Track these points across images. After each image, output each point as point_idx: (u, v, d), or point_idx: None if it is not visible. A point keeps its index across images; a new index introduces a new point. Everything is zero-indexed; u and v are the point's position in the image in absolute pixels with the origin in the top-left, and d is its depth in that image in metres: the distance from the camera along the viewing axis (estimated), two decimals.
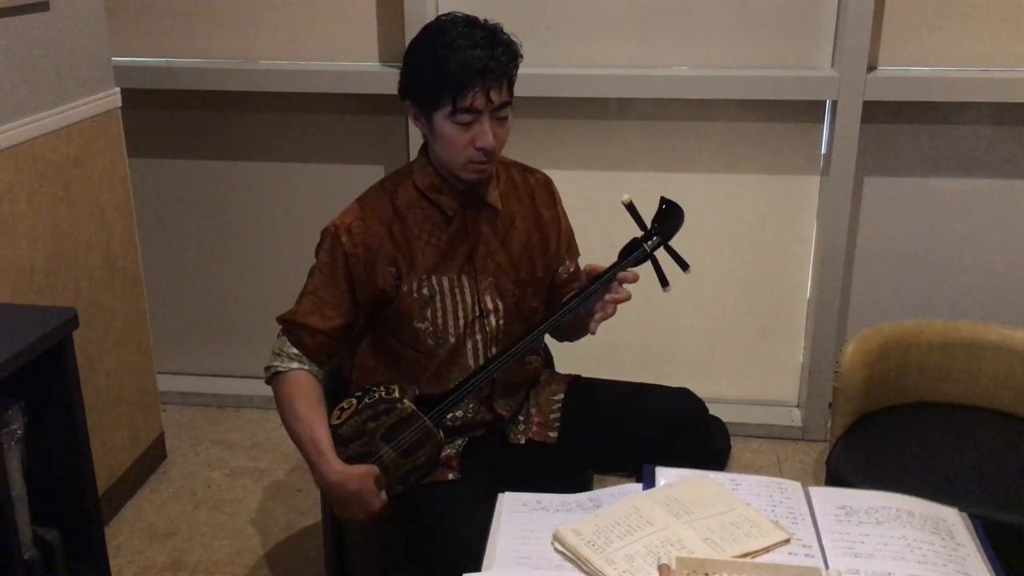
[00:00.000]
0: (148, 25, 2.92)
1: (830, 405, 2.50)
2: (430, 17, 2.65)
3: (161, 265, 3.13)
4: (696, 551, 1.27)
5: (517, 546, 1.33)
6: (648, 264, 1.76)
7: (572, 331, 1.97)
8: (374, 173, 2.92)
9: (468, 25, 1.71)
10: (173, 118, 3.02)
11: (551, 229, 1.93)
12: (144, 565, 2.40)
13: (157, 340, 2.90)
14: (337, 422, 1.75)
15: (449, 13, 1.76)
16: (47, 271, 2.26)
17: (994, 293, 2.87)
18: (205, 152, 3.05)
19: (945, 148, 2.78)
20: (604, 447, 1.91)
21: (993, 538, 1.37)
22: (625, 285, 1.73)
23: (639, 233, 1.77)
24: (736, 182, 2.87)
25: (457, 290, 1.82)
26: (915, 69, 2.69)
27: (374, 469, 1.73)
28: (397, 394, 1.75)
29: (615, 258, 1.77)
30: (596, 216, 2.77)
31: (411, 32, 2.65)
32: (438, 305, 1.81)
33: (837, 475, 2.03)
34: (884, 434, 2.15)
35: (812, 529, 1.36)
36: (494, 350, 1.86)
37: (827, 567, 1.28)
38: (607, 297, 1.73)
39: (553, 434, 1.92)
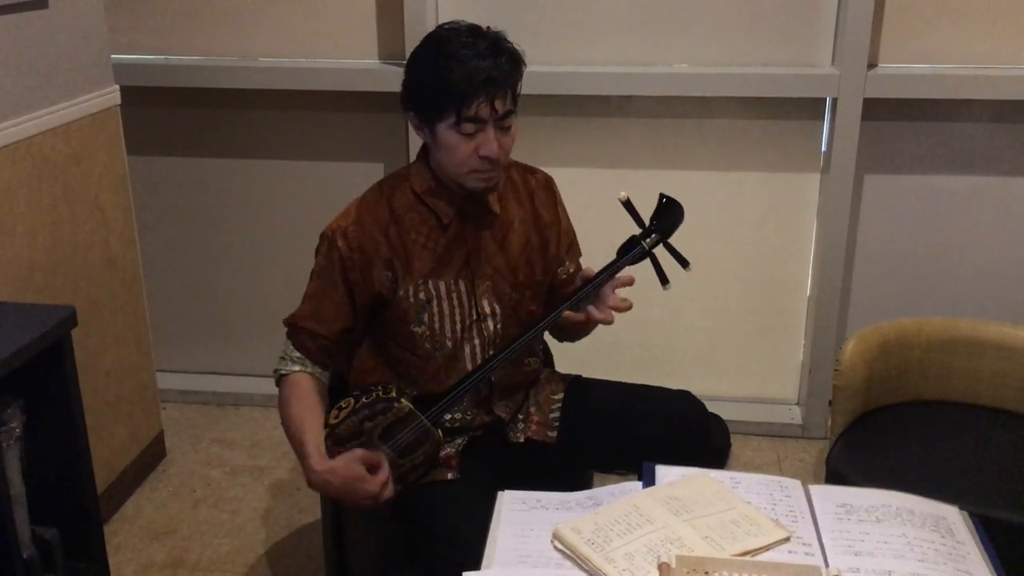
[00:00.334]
0: (147, 22, 2.91)
1: (830, 403, 2.50)
2: (430, 15, 2.65)
3: (160, 263, 3.13)
4: (696, 549, 1.27)
5: (517, 544, 1.33)
6: (647, 262, 1.75)
7: (572, 332, 1.96)
8: (374, 171, 2.91)
9: (471, 35, 1.69)
10: (172, 116, 3.02)
11: (551, 231, 1.92)
12: (144, 563, 2.40)
13: (156, 338, 2.90)
14: (335, 421, 1.75)
15: (452, 22, 1.74)
16: (46, 269, 2.26)
17: (994, 291, 2.87)
18: (204, 150, 3.05)
19: (945, 146, 2.77)
20: (603, 448, 1.91)
21: (993, 536, 1.37)
22: (619, 291, 1.72)
23: (640, 231, 1.76)
24: (736, 180, 2.87)
25: (454, 294, 1.81)
26: (915, 67, 2.69)
27: (356, 453, 1.69)
28: (394, 393, 1.75)
29: (615, 256, 1.77)
30: (597, 214, 2.76)
31: (411, 30, 2.66)
32: (435, 309, 1.80)
33: (837, 473, 2.02)
34: (884, 432, 2.15)
35: (812, 527, 1.36)
36: (492, 354, 1.85)
37: (827, 565, 1.27)
38: (610, 301, 1.70)
39: (552, 433, 1.91)
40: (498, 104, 1.67)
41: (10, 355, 1.73)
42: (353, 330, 1.83)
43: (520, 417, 1.94)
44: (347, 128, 2.97)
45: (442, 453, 1.81)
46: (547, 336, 2.07)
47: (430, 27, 1.93)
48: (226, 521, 2.57)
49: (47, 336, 1.85)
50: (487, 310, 1.84)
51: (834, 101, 2.69)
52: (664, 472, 1.48)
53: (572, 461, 1.95)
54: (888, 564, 1.27)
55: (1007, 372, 2.21)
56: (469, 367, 1.84)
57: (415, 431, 1.74)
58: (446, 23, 1.75)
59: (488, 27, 1.73)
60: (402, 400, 1.74)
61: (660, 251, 1.76)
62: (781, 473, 2.74)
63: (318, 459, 1.70)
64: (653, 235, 1.75)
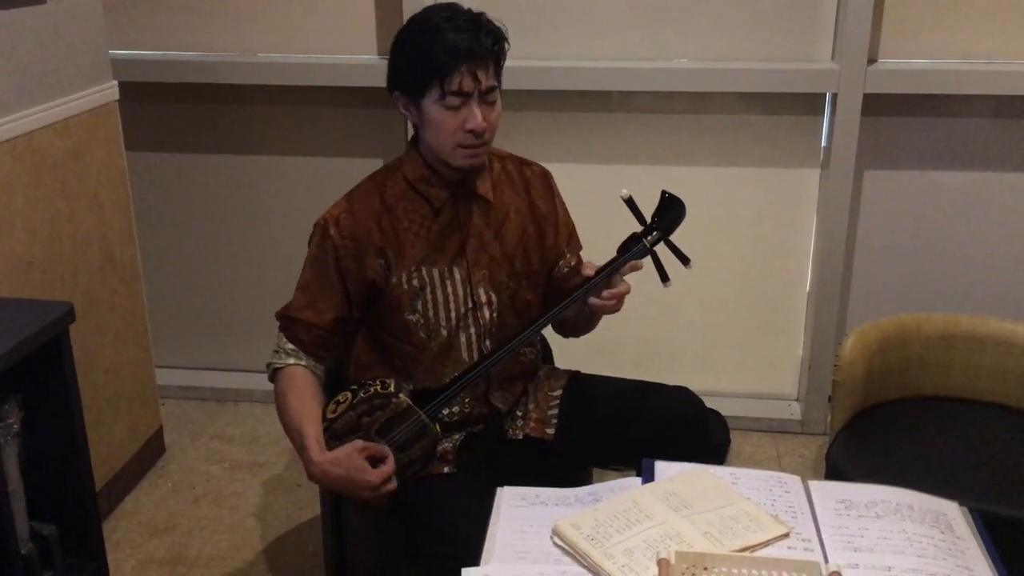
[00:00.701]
0: (145, 18, 2.91)
1: (830, 399, 2.49)
2: None
3: (159, 259, 3.12)
4: (695, 545, 1.27)
5: (516, 540, 1.33)
6: (648, 259, 1.75)
7: (575, 327, 1.97)
8: (372, 166, 2.86)
9: (450, 11, 1.73)
10: (171, 112, 3.01)
11: (548, 221, 1.92)
12: (143, 559, 2.40)
13: (156, 334, 2.89)
14: (332, 416, 1.75)
15: (432, 4, 1.77)
16: (44, 265, 2.25)
17: (994, 287, 2.87)
18: (203, 145, 3.04)
19: (945, 141, 2.77)
20: (602, 444, 1.91)
21: (993, 532, 1.37)
22: (626, 277, 1.73)
23: (640, 227, 1.76)
24: (736, 175, 2.87)
25: (448, 282, 1.81)
26: (915, 62, 2.69)
27: (357, 445, 1.69)
28: (392, 388, 1.75)
29: (615, 252, 1.76)
30: (596, 209, 2.75)
31: None
32: (429, 297, 1.80)
33: (837, 469, 2.02)
34: (884, 428, 2.15)
35: (811, 523, 1.36)
36: (488, 343, 1.86)
37: (826, 561, 1.27)
38: (605, 293, 1.72)
39: (550, 430, 1.91)
40: (481, 76, 1.68)
41: (8, 351, 1.73)
42: (348, 320, 1.83)
43: (519, 414, 1.94)
44: (345, 124, 2.96)
45: (439, 448, 1.81)
46: (549, 332, 2.06)
47: None
48: (225, 517, 2.57)
49: (45, 332, 1.85)
50: (483, 298, 1.84)
51: (834, 96, 2.68)
52: (663, 468, 1.48)
53: (571, 457, 1.95)
54: (887, 560, 1.27)
55: (1007, 368, 2.21)
56: (465, 357, 1.84)
57: (413, 426, 1.74)
58: (429, 5, 1.77)
59: (469, 8, 1.75)
60: (400, 395, 1.74)
61: (661, 248, 1.76)
62: (780, 469, 2.73)
63: (318, 450, 1.70)
64: (655, 232, 1.75)
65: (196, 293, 3.19)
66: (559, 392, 1.96)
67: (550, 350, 2.18)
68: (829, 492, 1.43)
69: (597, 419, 1.91)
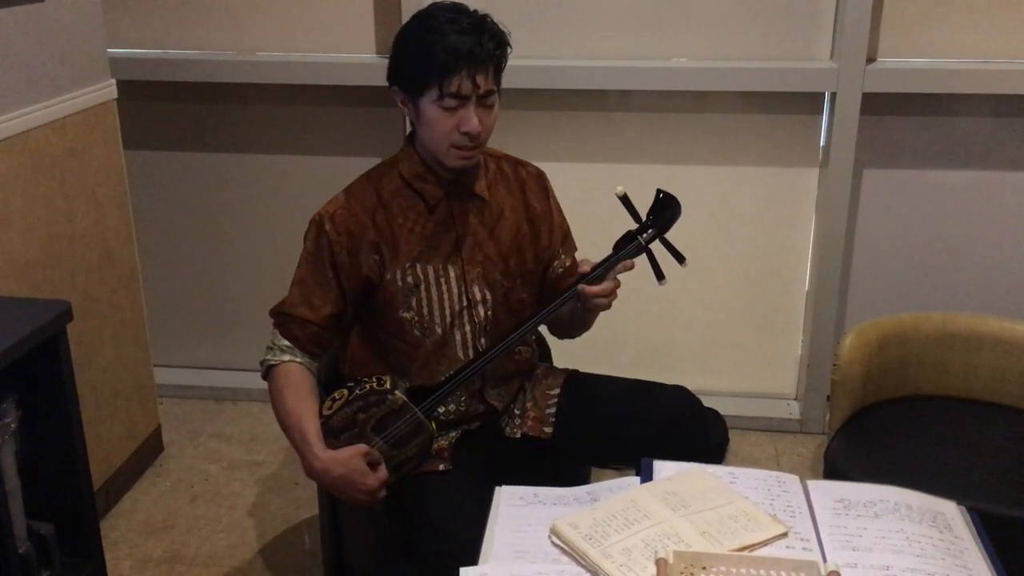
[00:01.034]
0: (144, 16, 2.90)
1: (828, 398, 2.49)
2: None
3: (158, 257, 3.12)
4: (693, 545, 1.27)
5: (514, 539, 1.32)
6: (644, 257, 1.75)
7: (570, 328, 1.96)
8: (370, 165, 2.88)
9: (455, 11, 1.72)
10: (169, 110, 3.01)
11: (542, 221, 1.92)
12: (141, 558, 2.40)
13: (154, 333, 2.89)
14: (328, 413, 1.75)
15: (438, 2, 1.76)
16: (43, 264, 2.25)
17: (993, 286, 2.87)
18: (201, 144, 3.04)
19: (944, 140, 2.77)
20: (599, 443, 1.91)
21: (991, 531, 1.37)
22: (619, 276, 1.73)
23: (633, 222, 1.76)
24: (735, 174, 2.86)
25: (443, 279, 1.81)
26: (914, 61, 2.68)
27: (361, 448, 1.71)
28: (388, 385, 1.75)
29: (611, 251, 1.76)
30: (594, 208, 2.75)
31: None
32: (423, 294, 1.81)
33: (835, 468, 2.02)
34: (882, 427, 2.15)
35: (810, 522, 1.36)
36: (483, 341, 1.86)
37: (825, 560, 1.27)
38: (589, 289, 1.72)
39: (548, 429, 1.91)
40: (480, 80, 1.68)
41: (6, 350, 1.73)
42: (342, 316, 1.83)
43: (516, 412, 1.93)
44: (344, 122, 2.96)
45: (435, 445, 1.81)
46: (547, 334, 2.06)
47: None
48: (223, 516, 2.57)
49: (43, 331, 1.84)
50: (478, 296, 1.84)
51: (833, 95, 2.68)
52: (661, 467, 1.48)
53: (569, 456, 1.95)
54: (886, 559, 1.27)
55: (1006, 367, 2.21)
56: (460, 355, 1.84)
57: (409, 423, 1.74)
58: (434, 2, 1.77)
59: (475, 9, 1.74)
60: (396, 392, 1.74)
61: (656, 246, 1.76)
62: (779, 468, 2.74)
63: (321, 448, 1.71)
64: (650, 230, 1.75)
65: (194, 292, 3.19)
66: (557, 391, 1.95)
67: (548, 349, 2.18)
68: (827, 491, 1.43)
69: (595, 418, 1.91)
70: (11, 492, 1.89)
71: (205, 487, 2.69)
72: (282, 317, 1.82)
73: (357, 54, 2.87)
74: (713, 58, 2.75)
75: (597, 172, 2.89)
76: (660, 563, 1.21)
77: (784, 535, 1.32)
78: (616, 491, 1.41)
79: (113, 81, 2.51)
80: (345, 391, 1.76)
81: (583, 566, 1.26)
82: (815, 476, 1.88)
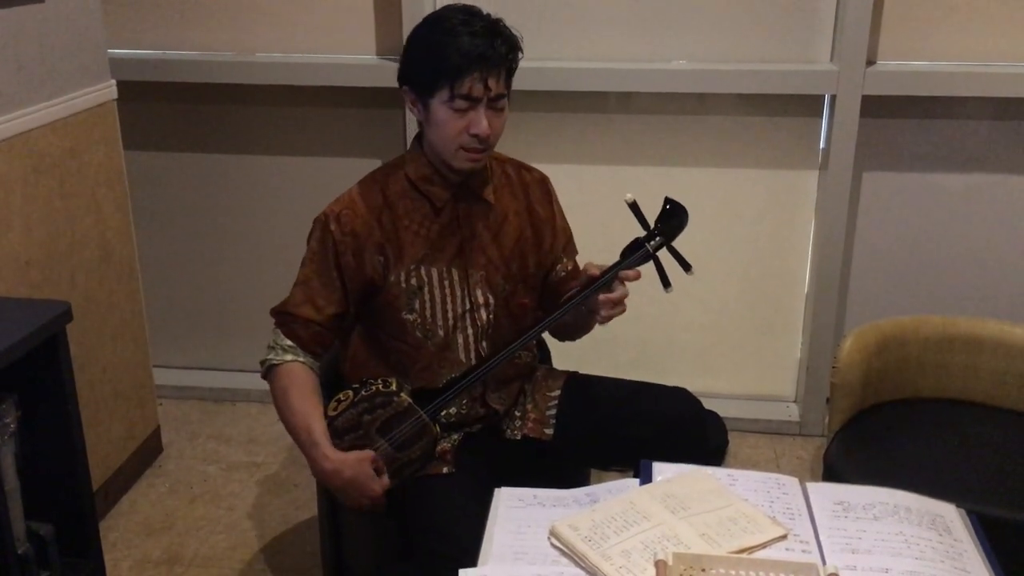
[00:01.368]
0: (144, 17, 2.90)
1: (828, 400, 2.50)
2: (427, 9, 2.64)
3: (157, 258, 3.12)
4: (693, 547, 1.27)
5: (513, 541, 1.32)
6: (650, 264, 1.76)
7: (572, 331, 1.96)
8: (371, 166, 2.86)
9: (468, 14, 1.72)
10: (169, 111, 3.01)
11: (545, 226, 1.92)
12: (140, 559, 2.40)
13: (153, 333, 2.89)
14: (333, 414, 1.75)
15: (451, 4, 1.76)
16: (42, 264, 2.25)
17: (992, 289, 2.87)
18: (201, 145, 3.04)
19: (944, 143, 2.77)
20: (600, 445, 1.91)
21: (990, 534, 1.37)
22: (626, 283, 1.73)
23: (640, 228, 1.76)
24: (734, 176, 2.87)
25: (446, 282, 1.81)
26: (914, 64, 2.69)
27: (369, 453, 1.72)
28: (394, 387, 1.75)
29: (614, 252, 1.76)
30: (594, 210, 2.76)
31: (409, 25, 2.65)
32: (426, 296, 1.80)
33: (834, 471, 2.02)
34: (882, 430, 2.15)
35: (809, 525, 1.36)
36: (484, 345, 1.86)
37: (824, 563, 1.27)
38: (602, 297, 1.72)
39: (549, 431, 1.91)
40: (491, 83, 1.68)
41: (5, 350, 1.73)
42: (345, 316, 1.83)
43: (517, 414, 1.93)
44: (344, 124, 2.96)
45: (437, 448, 1.81)
46: (546, 336, 2.06)
47: None
48: (223, 517, 2.57)
49: (42, 331, 1.84)
50: (480, 300, 1.84)
51: (833, 98, 2.68)
52: (661, 469, 1.48)
53: (569, 458, 1.95)
54: (885, 562, 1.27)
55: (1005, 370, 2.21)
56: (462, 358, 1.84)
57: (413, 426, 1.74)
58: (447, 5, 1.77)
59: (488, 12, 1.75)
60: (402, 394, 1.74)
61: (663, 254, 1.77)
62: (778, 470, 2.73)
63: (330, 449, 1.71)
64: (658, 238, 1.76)
65: (194, 293, 3.19)
66: (557, 392, 1.96)
67: (548, 351, 2.18)
68: (827, 494, 1.43)
69: (596, 419, 1.91)
70: (10, 492, 1.89)
71: (204, 488, 2.69)
72: (284, 316, 1.82)
73: (357, 55, 2.87)
74: (713, 60, 2.75)
75: (597, 174, 2.89)
76: (659, 565, 1.21)
77: (783, 537, 1.32)
78: (615, 493, 1.41)
79: (113, 82, 2.51)
80: (351, 392, 1.76)
81: (582, 568, 1.26)
82: (814, 478, 1.87)
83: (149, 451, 2.80)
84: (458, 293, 1.83)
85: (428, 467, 1.79)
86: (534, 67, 2.68)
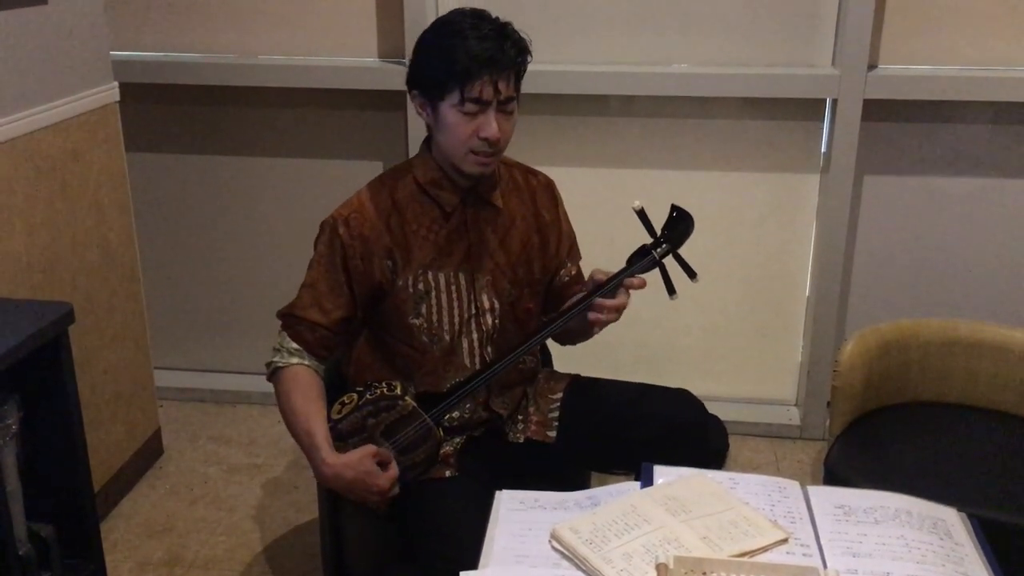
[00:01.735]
0: (147, 19, 2.91)
1: (828, 404, 2.49)
2: (429, 12, 2.65)
3: (159, 260, 3.12)
4: (694, 550, 1.27)
5: (514, 544, 1.32)
6: (656, 271, 1.76)
7: (574, 336, 1.97)
8: (373, 169, 2.91)
9: (477, 18, 1.72)
10: (171, 113, 3.01)
11: (551, 231, 1.92)
12: (140, 561, 2.40)
13: (155, 335, 2.89)
14: (337, 417, 1.75)
15: (459, 8, 1.77)
16: (44, 266, 2.25)
17: (993, 293, 2.87)
18: (203, 147, 3.04)
19: (945, 147, 2.77)
20: (602, 447, 1.91)
21: (991, 538, 1.37)
22: (629, 291, 1.74)
23: (641, 231, 1.76)
24: (736, 180, 2.87)
25: (453, 287, 1.81)
26: (916, 68, 2.69)
27: (371, 448, 1.70)
28: (399, 391, 1.75)
29: (615, 255, 1.77)
30: (596, 213, 2.76)
31: (411, 27, 2.65)
32: (433, 301, 1.80)
33: (835, 474, 2.02)
34: (882, 433, 2.15)
35: (810, 528, 1.36)
36: (489, 350, 1.86)
37: (825, 567, 1.27)
38: (598, 301, 1.72)
39: (551, 433, 1.91)
40: (501, 86, 1.68)
41: (7, 351, 1.73)
42: (352, 320, 1.83)
43: (519, 417, 1.94)
44: (346, 126, 2.96)
45: (441, 451, 1.81)
46: (548, 340, 2.07)
47: None
48: (223, 519, 2.57)
49: (44, 333, 1.84)
50: (486, 305, 1.84)
51: (834, 102, 2.68)
52: (662, 472, 1.48)
53: (571, 461, 1.95)
54: (886, 566, 1.27)
55: (1006, 374, 2.21)
56: (467, 362, 1.84)
57: (417, 430, 1.74)
58: (455, 9, 1.77)
59: (496, 16, 1.75)
60: (406, 398, 1.74)
61: (669, 261, 1.77)
62: (779, 474, 2.73)
63: (330, 453, 1.71)
64: (664, 245, 1.76)
65: (195, 295, 3.19)
66: (560, 395, 1.96)
67: (549, 354, 2.18)
68: (828, 497, 1.43)
69: (599, 421, 1.91)
70: (12, 493, 1.89)
71: (205, 490, 2.69)
72: (291, 319, 1.82)
73: (359, 58, 2.87)
74: (715, 64, 2.75)
75: (598, 177, 2.89)
76: (661, 568, 1.21)
77: (784, 541, 1.32)
78: (616, 496, 1.41)
79: (116, 84, 2.52)
80: (355, 395, 1.76)
81: (583, 571, 1.26)
82: (815, 482, 1.87)
83: (150, 453, 2.80)
84: (464, 298, 1.83)
85: (431, 471, 1.79)
86: (536, 70, 2.65)
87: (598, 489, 1.46)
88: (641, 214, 1.74)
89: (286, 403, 1.79)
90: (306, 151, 3.00)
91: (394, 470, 1.72)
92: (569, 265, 1.97)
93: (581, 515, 1.36)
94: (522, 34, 1.74)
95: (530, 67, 1.79)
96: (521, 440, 1.90)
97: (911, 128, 2.77)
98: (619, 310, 1.74)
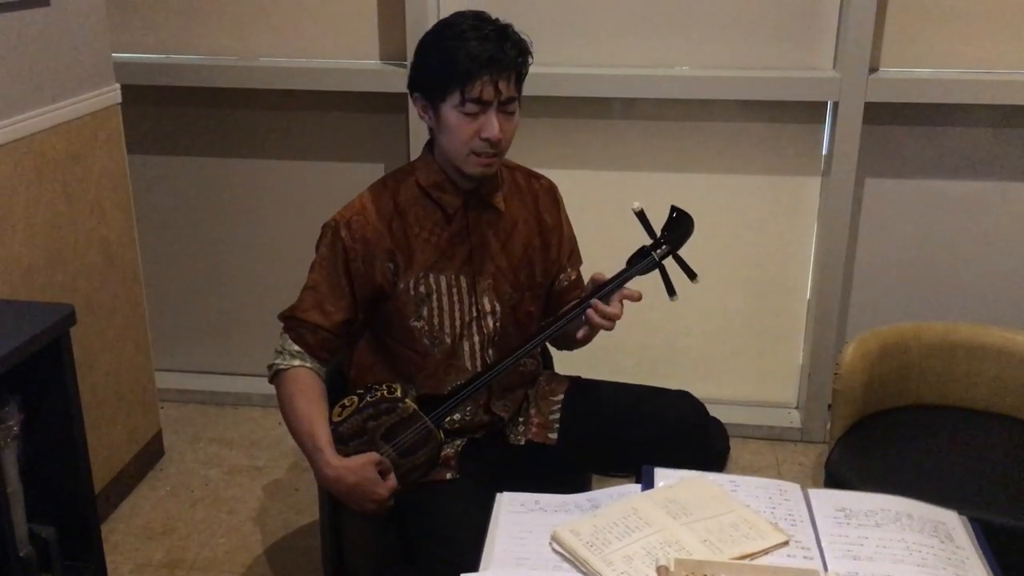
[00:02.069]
0: (148, 21, 2.91)
1: (829, 407, 2.49)
2: (431, 15, 2.65)
3: (160, 262, 3.12)
4: (694, 552, 1.27)
5: (515, 546, 1.32)
6: (655, 272, 1.76)
7: (572, 340, 1.97)
8: (374, 171, 2.91)
9: (477, 19, 1.73)
10: (173, 115, 3.02)
11: (553, 235, 1.93)
12: (141, 563, 2.40)
13: (156, 337, 2.89)
14: (338, 419, 1.75)
15: (460, 11, 1.77)
16: (45, 267, 2.25)
17: (994, 296, 2.87)
18: (205, 149, 3.04)
19: (946, 150, 2.77)
20: (603, 449, 1.91)
21: (993, 541, 1.37)
22: (627, 302, 1.74)
23: (643, 233, 1.76)
24: (737, 183, 2.87)
25: (454, 290, 1.82)
26: (917, 71, 2.69)
27: (373, 457, 1.71)
28: (399, 394, 1.75)
29: (617, 258, 1.77)
30: (597, 216, 2.76)
31: (412, 30, 2.66)
32: (434, 304, 1.81)
33: (836, 477, 2.02)
34: (883, 436, 2.15)
35: (811, 531, 1.36)
36: (490, 352, 1.86)
37: (826, 569, 1.27)
38: (594, 302, 1.72)
39: (552, 435, 1.91)
40: (502, 86, 1.69)
41: (8, 353, 1.73)
42: (353, 322, 1.83)
43: (520, 419, 1.94)
44: (348, 128, 2.96)
45: (442, 454, 1.81)
46: (547, 343, 2.07)
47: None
48: (224, 521, 2.57)
49: (46, 334, 1.84)
50: (487, 308, 1.84)
51: (835, 105, 2.69)
52: (663, 475, 1.48)
53: (571, 463, 1.95)
54: (887, 569, 1.27)
55: (1007, 377, 2.21)
56: (468, 365, 1.84)
57: (418, 432, 1.74)
58: (455, 12, 1.78)
59: (496, 18, 1.76)
60: (407, 401, 1.74)
61: (668, 262, 1.77)
62: (780, 477, 2.73)
63: (333, 455, 1.71)
64: (664, 246, 1.76)
65: (196, 297, 3.19)
66: (560, 397, 1.96)
67: (550, 356, 2.18)
68: (829, 500, 1.43)
69: (599, 423, 1.91)
70: (13, 495, 1.89)
71: (205, 492, 2.69)
72: (293, 322, 1.82)
73: (361, 60, 2.87)
74: (716, 67, 2.75)
75: (599, 179, 2.90)
76: (661, 570, 1.21)
77: (785, 544, 1.32)
78: (617, 498, 1.41)
79: (117, 85, 2.52)
80: (355, 398, 1.76)
81: (584, 573, 1.26)
82: (816, 485, 1.87)
83: (151, 454, 2.80)
84: (465, 301, 1.83)
85: (432, 473, 1.79)
86: (537, 73, 2.66)
87: (599, 491, 1.46)
88: (641, 215, 1.74)
89: (288, 405, 1.79)
90: (307, 153, 3.00)
91: (393, 481, 1.73)
92: (569, 270, 1.97)
93: (582, 517, 1.36)
94: (523, 36, 1.75)
95: (532, 70, 1.79)
96: (522, 442, 1.90)
97: (912, 131, 2.77)
98: (612, 319, 1.74)
